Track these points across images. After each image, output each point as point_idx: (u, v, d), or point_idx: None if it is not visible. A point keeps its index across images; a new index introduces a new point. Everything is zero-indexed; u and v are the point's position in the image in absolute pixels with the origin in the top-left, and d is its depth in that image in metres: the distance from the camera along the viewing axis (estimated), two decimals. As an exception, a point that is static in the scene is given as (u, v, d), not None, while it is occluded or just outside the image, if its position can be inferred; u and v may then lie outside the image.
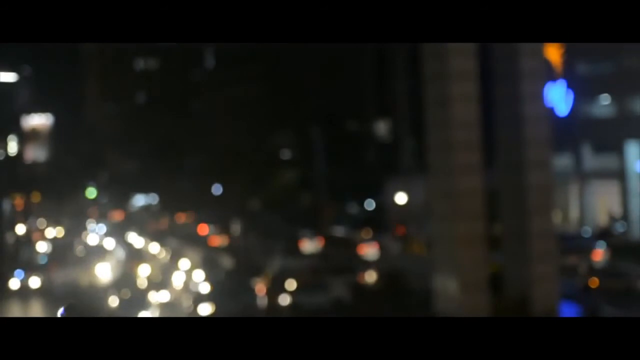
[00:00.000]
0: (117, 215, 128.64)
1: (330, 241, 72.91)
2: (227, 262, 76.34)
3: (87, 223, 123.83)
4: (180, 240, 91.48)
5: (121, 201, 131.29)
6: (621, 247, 54.84)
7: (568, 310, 38.64)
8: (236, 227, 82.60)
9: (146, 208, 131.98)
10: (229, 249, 79.53)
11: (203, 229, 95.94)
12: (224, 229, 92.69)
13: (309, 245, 73.43)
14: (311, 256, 68.37)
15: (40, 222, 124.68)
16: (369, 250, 66.92)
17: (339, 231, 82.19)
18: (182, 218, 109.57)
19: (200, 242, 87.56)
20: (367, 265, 59.30)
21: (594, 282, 45.67)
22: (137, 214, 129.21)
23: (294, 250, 71.50)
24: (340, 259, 63.11)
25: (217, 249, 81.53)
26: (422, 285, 50.99)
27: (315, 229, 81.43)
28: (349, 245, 68.95)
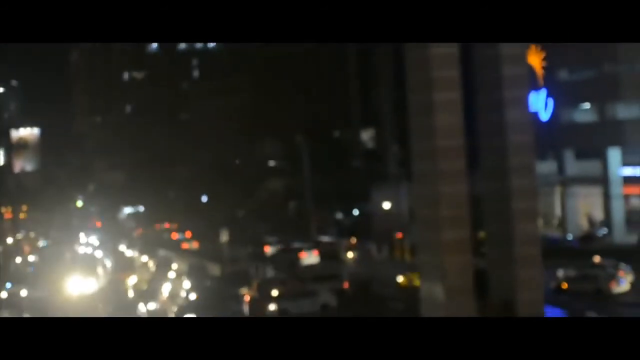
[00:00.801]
0: (97, 224, 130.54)
1: (283, 248, 77.05)
2: (214, 270, 76.57)
3: (75, 232, 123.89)
4: (157, 246, 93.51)
5: (108, 211, 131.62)
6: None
7: (553, 314, 39.06)
8: (219, 236, 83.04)
9: (130, 216, 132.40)
10: (215, 258, 79.95)
11: (175, 235, 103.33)
12: (206, 237, 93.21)
13: (271, 251, 77.30)
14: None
15: (29, 232, 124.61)
16: (307, 257, 71.13)
17: (325, 239, 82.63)
18: (158, 226, 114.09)
19: (174, 246, 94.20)
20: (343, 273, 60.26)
21: (565, 285, 48.16)
22: (115, 222, 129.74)
23: (260, 256, 75.46)
24: (285, 263, 68.44)
25: (204, 259, 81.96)
26: (389, 290, 54.57)
27: (303, 237, 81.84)
28: (294, 252, 73.01)
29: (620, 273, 48.36)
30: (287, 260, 70.23)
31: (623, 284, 47.32)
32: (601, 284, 47.11)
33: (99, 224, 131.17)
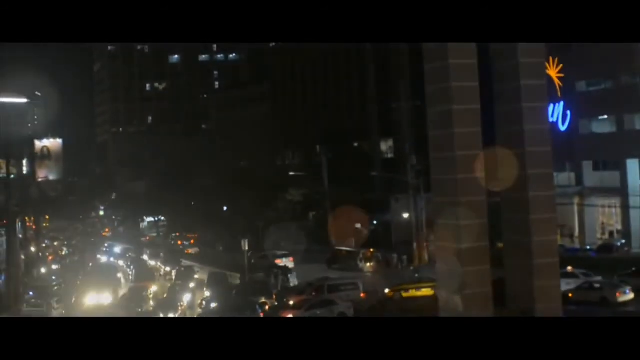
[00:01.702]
0: (107, 231, 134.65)
1: (261, 255, 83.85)
2: (233, 279, 76.94)
3: (97, 241, 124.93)
4: (184, 258, 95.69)
5: (129, 220, 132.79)
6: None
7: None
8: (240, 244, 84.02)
9: (150, 225, 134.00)
10: (236, 267, 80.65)
11: (180, 242, 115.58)
12: (228, 246, 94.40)
13: (254, 258, 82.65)
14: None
15: (53, 240, 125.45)
16: (282, 263, 77.73)
17: (344, 248, 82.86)
18: (168, 235, 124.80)
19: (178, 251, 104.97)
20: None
21: (570, 294, 48.92)
22: (138, 232, 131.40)
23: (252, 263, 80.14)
24: (263, 269, 75.20)
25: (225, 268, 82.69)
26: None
27: (322, 246, 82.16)
28: (270, 258, 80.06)
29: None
30: (265, 265, 76.78)
31: (628, 293, 48.74)
32: (607, 293, 48.47)
33: (107, 231, 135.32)
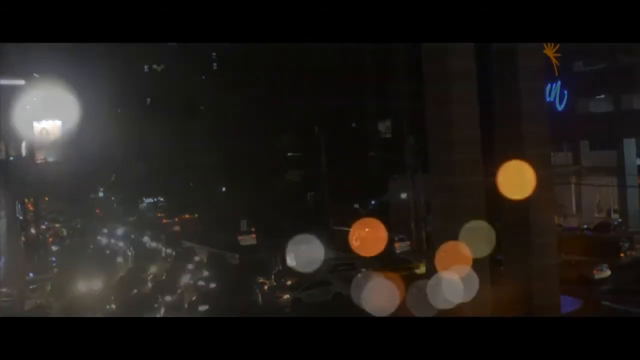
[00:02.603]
0: (98, 211, 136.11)
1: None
2: (233, 260, 77.26)
3: (96, 222, 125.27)
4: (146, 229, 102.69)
5: (128, 201, 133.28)
6: None
7: (569, 305, 39.33)
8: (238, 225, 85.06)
9: (149, 206, 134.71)
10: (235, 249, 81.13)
11: (165, 220, 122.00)
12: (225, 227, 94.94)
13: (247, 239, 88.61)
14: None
15: (53, 222, 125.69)
16: (244, 240, 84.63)
17: (343, 228, 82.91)
18: (160, 214, 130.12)
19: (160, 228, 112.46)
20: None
21: None
22: (136, 212, 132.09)
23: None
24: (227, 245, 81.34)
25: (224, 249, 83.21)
26: None
27: (320, 227, 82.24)
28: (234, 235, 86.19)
29: None
30: (229, 242, 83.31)
31: (605, 270, 49.52)
32: (584, 271, 49.18)
33: (99, 212, 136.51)
